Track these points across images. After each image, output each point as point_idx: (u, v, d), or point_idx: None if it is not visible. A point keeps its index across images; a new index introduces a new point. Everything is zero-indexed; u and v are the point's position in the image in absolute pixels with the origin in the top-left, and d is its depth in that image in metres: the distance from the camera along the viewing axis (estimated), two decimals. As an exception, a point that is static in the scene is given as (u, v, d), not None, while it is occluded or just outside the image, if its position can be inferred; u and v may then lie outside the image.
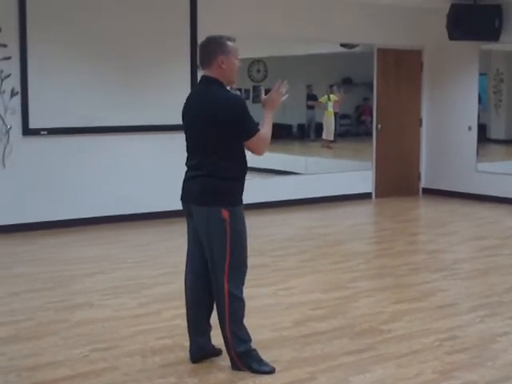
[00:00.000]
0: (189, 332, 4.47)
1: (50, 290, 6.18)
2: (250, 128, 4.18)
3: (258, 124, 4.24)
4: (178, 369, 4.35)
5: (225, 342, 4.31)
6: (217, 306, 4.29)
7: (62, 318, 5.41)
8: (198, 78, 4.45)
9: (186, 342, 4.55)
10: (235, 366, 4.31)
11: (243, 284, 4.31)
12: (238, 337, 4.26)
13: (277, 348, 4.70)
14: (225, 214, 4.15)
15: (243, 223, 4.27)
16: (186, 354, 4.49)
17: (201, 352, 4.45)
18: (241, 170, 4.27)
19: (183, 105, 4.42)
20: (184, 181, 4.35)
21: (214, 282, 4.25)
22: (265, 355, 4.38)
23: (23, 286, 6.31)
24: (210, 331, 4.46)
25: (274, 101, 4.29)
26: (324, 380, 4.20)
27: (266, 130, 4.22)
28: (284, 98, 4.31)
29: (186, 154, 4.37)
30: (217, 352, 4.49)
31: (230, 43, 4.25)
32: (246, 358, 4.29)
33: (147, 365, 4.43)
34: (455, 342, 4.83)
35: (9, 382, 4.17)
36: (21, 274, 6.77)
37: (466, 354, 4.61)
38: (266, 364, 4.32)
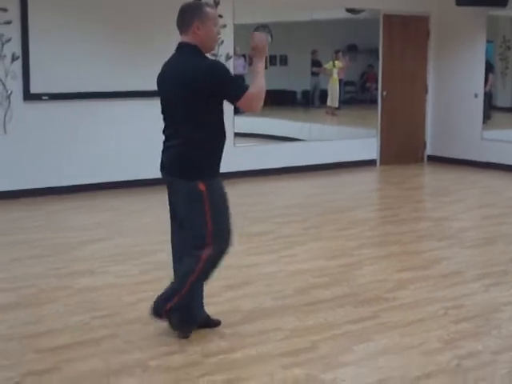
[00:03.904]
0: None
1: (52, 257, 6.14)
2: (237, 89, 4.01)
3: (243, 83, 4.11)
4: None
5: (171, 290, 4.21)
6: (183, 266, 4.20)
7: (63, 285, 5.37)
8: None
9: (187, 310, 4.50)
10: (156, 313, 4.20)
11: (225, 252, 4.18)
12: (188, 293, 4.16)
13: (279, 316, 4.64)
14: (201, 186, 4.05)
15: (222, 194, 4.15)
16: (187, 322, 4.45)
17: None
18: (218, 139, 4.15)
19: (159, 73, 4.26)
20: (162, 151, 4.24)
21: (188, 250, 4.16)
22: (267, 323, 4.34)
23: (25, 253, 6.27)
24: (201, 301, 4.38)
25: (263, 47, 4.06)
26: (327, 349, 4.15)
27: (257, 86, 4.00)
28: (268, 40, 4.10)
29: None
30: (215, 323, 4.43)
31: (208, 9, 4.11)
32: (175, 312, 4.20)
33: (149, 332, 4.39)
34: (460, 311, 4.78)
35: (9, 350, 4.14)
36: (22, 240, 6.72)
37: (471, 323, 4.56)
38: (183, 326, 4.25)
